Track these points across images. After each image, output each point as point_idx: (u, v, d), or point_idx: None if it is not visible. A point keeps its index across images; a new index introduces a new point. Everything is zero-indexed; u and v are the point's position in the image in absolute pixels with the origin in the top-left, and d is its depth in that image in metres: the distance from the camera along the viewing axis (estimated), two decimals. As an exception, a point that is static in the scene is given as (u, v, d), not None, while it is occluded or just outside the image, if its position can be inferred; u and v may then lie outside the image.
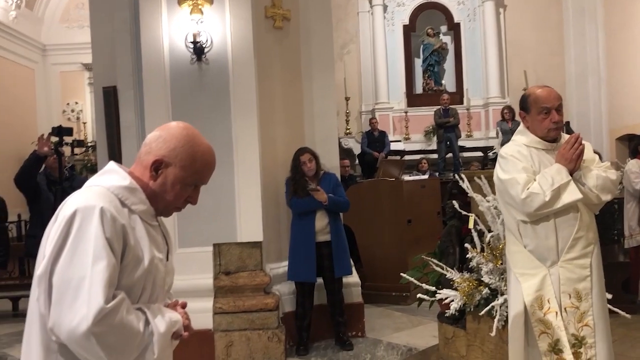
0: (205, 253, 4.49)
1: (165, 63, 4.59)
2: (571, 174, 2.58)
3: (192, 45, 4.51)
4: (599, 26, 12.15)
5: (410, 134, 12.40)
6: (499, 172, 2.72)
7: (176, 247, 4.48)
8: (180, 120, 1.73)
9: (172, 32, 4.60)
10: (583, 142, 2.65)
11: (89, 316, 1.37)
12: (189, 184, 1.62)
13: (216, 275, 4.50)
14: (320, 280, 4.82)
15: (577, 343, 2.58)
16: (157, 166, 1.58)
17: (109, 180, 1.56)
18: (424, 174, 9.05)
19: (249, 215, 4.65)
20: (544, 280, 2.62)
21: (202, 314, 4.23)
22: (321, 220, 4.74)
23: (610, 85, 11.84)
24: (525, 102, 2.73)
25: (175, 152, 1.58)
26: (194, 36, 4.48)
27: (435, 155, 11.30)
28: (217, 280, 4.48)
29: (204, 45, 4.52)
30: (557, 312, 2.58)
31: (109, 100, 5.08)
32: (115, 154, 4.95)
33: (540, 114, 2.65)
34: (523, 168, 2.64)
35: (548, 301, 2.60)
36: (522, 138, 2.76)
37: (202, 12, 4.53)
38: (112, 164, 1.63)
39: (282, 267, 4.92)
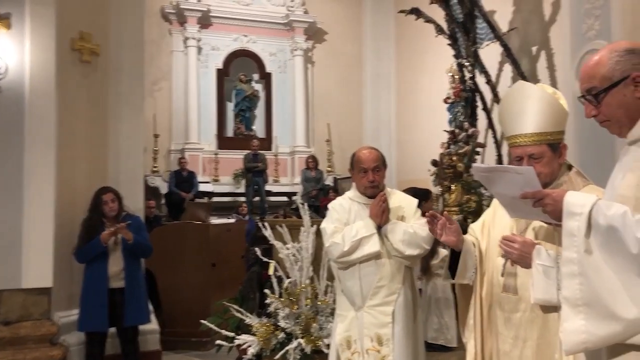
0: (-18, 300, 4.02)
1: (-54, 86, 4.11)
2: (380, 228, 2.87)
3: (-18, 70, 4.12)
4: (392, 90, 13.70)
5: (219, 175, 12.49)
6: (323, 222, 3.03)
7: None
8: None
9: (-42, 53, 4.15)
10: (409, 198, 3.03)
11: None
12: None
13: (-7, 325, 4.04)
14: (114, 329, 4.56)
15: None
16: None
17: None
18: (243, 217, 9.15)
19: (37, 258, 4.28)
20: (352, 322, 2.89)
21: (-28, 370, 3.75)
22: (115, 266, 4.43)
23: (399, 143, 13.33)
24: (351, 161, 3.06)
25: None
26: (-14, 61, 4.10)
27: (243, 198, 11.53)
28: (-6, 331, 4.02)
29: (-3, 72, 4.16)
30: (359, 353, 2.85)
31: None
32: None
33: (360, 172, 2.97)
34: (336, 219, 2.95)
35: (354, 342, 2.87)
36: (350, 192, 3.09)
37: (-3, 36, 4.18)
38: None
39: (74, 315, 4.57)
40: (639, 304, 1.42)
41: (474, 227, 2.30)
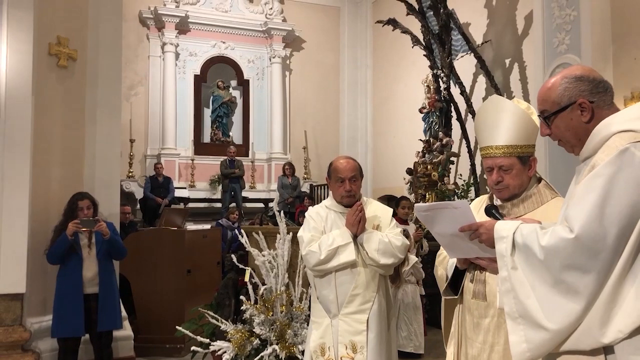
0: (-48, 306, 3.96)
1: None
2: (356, 237, 2.92)
3: (-43, 74, 4.08)
4: (368, 98, 13.86)
5: (195, 181, 12.46)
6: (300, 230, 3.07)
7: None
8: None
9: None
10: (385, 208, 3.09)
11: None
12: None
13: (-36, 331, 3.98)
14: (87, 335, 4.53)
15: None
16: None
17: None
18: (233, 224, 9.11)
19: (10, 264, 4.24)
20: (327, 329, 2.94)
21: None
22: (89, 271, 4.43)
23: (375, 151, 13.47)
24: (329, 170, 3.11)
25: None
26: (-39, 64, 4.07)
27: (219, 204, 11.51)
28: (-35, 337, 3.96)
29: (-28, 75, 4.12)
30: None
31: None
32: None
33: (337, 182, 3.03)
34: (313, 227, 3.00)
35: (329, 349, 2.92)
36: (327, 200, 3.15)
37: (-27, 40, 4.15)
38: None
39: (46, 321, 4.53)
40: (551, 317, 1.58)
41: None
